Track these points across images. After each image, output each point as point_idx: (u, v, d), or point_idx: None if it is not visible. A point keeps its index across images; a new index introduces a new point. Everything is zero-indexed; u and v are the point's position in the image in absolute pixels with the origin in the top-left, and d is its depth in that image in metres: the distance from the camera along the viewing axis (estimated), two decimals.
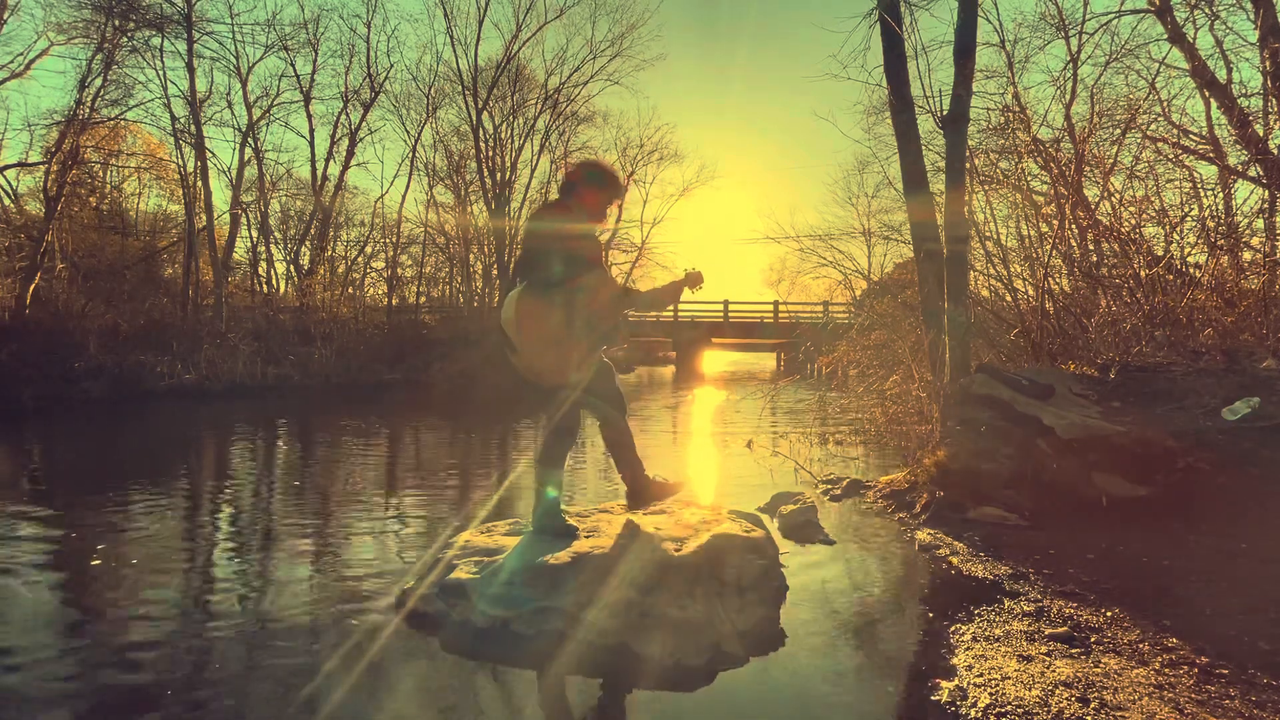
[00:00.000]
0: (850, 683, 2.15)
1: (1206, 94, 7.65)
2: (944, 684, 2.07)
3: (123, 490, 4.84)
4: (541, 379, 2.83)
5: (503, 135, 21.27)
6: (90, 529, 3.88)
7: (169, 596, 2.87)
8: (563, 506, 3.08)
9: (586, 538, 2.84)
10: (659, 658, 2.24)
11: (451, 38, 21.81)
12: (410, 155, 20.66)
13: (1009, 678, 2.07)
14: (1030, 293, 6.62)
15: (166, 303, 16.01)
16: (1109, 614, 2.51)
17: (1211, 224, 6.04)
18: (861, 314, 7.17)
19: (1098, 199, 6.69)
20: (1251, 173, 6.27)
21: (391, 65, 33.78)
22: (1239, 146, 6.58)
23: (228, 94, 18.89)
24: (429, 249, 21.29)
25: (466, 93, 20.39)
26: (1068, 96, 7.87)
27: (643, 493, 3.07)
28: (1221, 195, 6.60)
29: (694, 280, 2.96)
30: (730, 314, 24.20)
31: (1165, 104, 7.22)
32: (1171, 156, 6.56)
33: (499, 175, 21.11)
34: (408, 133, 21.43)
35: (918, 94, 5.11)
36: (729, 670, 2.23)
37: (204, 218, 16.72)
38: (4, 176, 15.62)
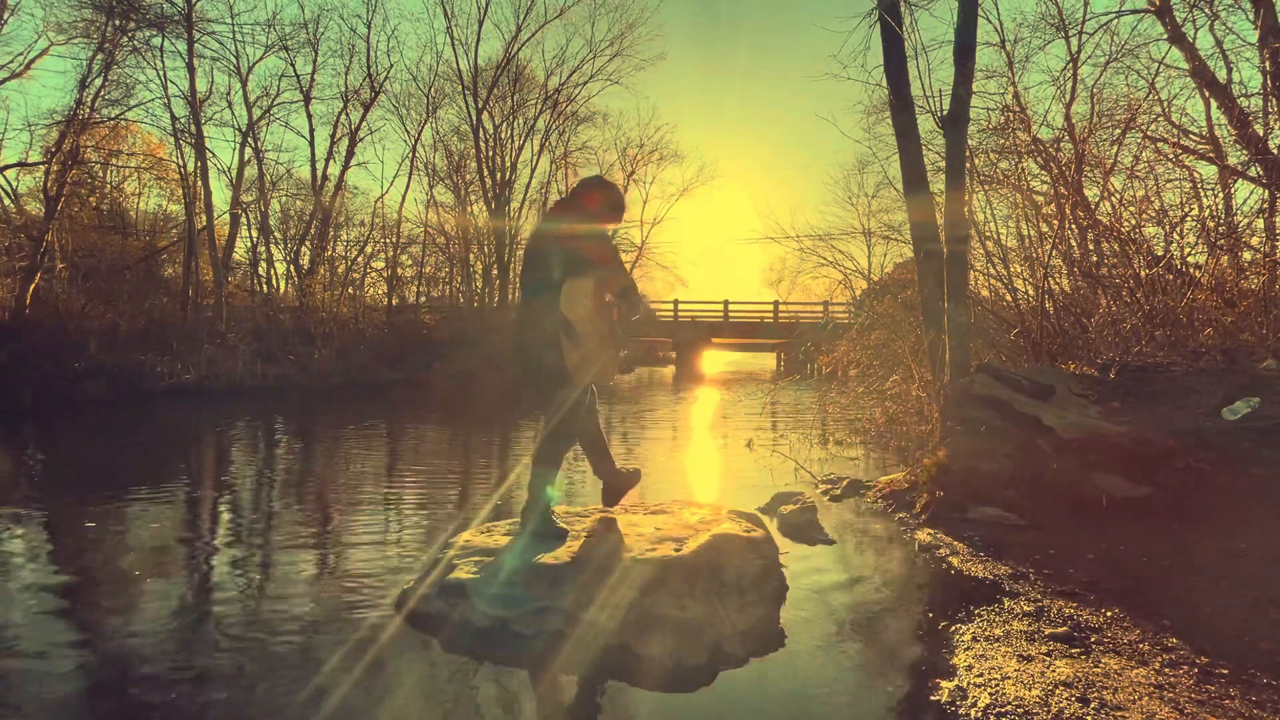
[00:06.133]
0: (850, 683, 2.15)
1: (1206, 94, 7.64)
2: (944, 684, 2.07)
3: (122, 490, 4.84)
4: (543, 376, 2.89)
5: (503, 135, 21.31)
6: (89, 529, 3.88)
7: (168, 596, 2.87)
8: (565, 507, 3.08)
9: (586, 537, 2.84)
10: (659, 658, 2.24)
11: (452, 38, 21.83)
12: (410, 155, 20.71)
13: (1009, 678, 2.07)
14: (1030, 293, 6.62)
15: (166, 303, 16.00)
16: (1109, 614, 2.51)
17: (1211, 224, 6.03)
18: (862, 314, 7.17)
19: (1098, 199, 6.69)
20: (1251, 173, 6.26)
21: (391, 65, 33.75)
22: (1239, 146, 6.57)
23: (228, 94, 18.84)
24: (429, 249, 21.32)
25: (466, 93, 20.43)
26: (1068, 96, 7.87)
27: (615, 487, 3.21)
28: (1221, 195, 6.60)
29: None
30: (730, 314, 24.20)
31: (1165, 104, 7.22)
32: (1171, 156, 6.55)
33: (499, 175, 21.13)
34: (408, 133, 21.47)
35: (918, 94, 5.11)
36: (729, 670, 2.23)
37: (204, 218, 16.71)
38: (4, 176, 15.63)
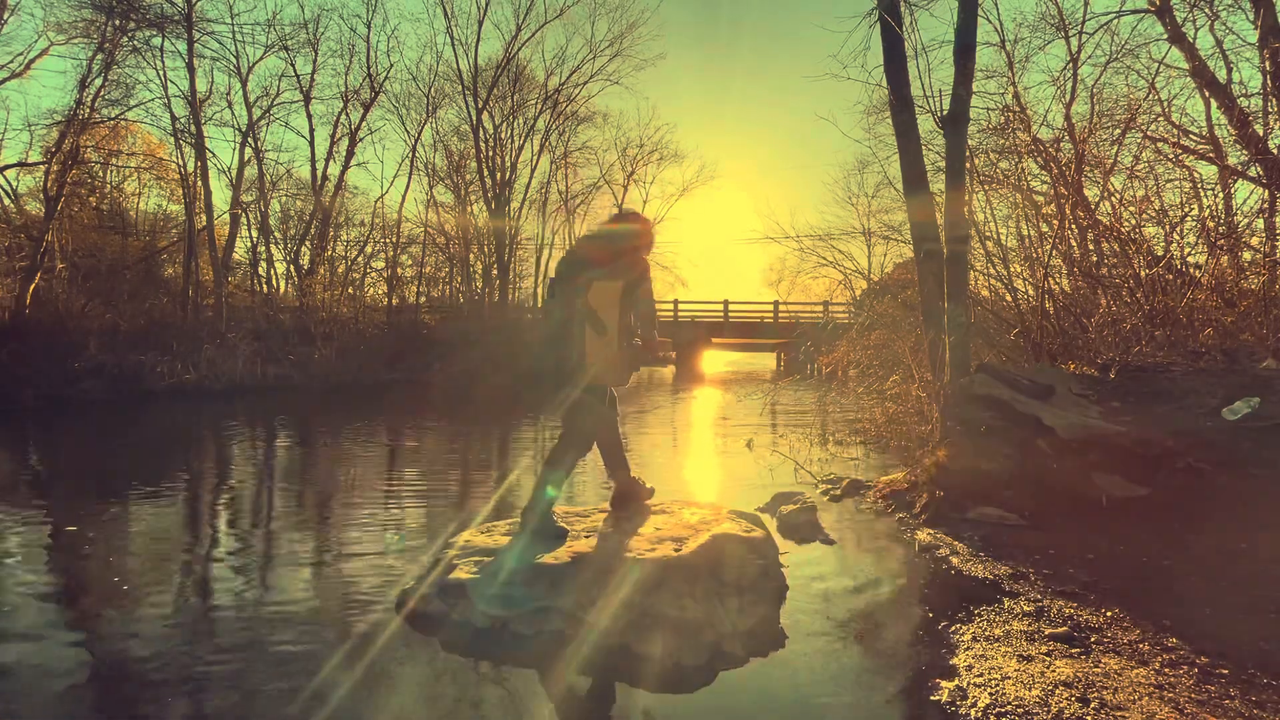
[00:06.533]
0: (850, 683, 2.15)
1: (1206, 94, 7.64)
2: (944, 684, 2.07)
3: (122, 491, 4.84)
4: (547, 373, 2.95)
5: (503, 135, 21.30)
6: (89, 529, 3.88)
7: (169, 597, 2.87)
8: (565, 507, 3.09)
9: (586, 537, 2.84)
10: (659, 658, 2.24)
11: (451, 38, 21.85)
12: (410, 155, 20.70)
13: (1009, 678, 2.07)
14: (1030, 293, 6.62)
15: (166, 303, 16.00)
16: (1109, 614, 2.51)
17: (1211, 224, 6.03)
18: (862, 314, 7.17)
19: (1098, 199, 6.69)
20: (1251, 173, 6.26)
21: (391, 65, 33.70)
22: (1239, 146, 6.57)
23: (228, 94, 18.87)
24: (429, 249, 21.30)
25: (466, 93, 20.42)
26: (1068, 96, 7.85)
27: (631, 496, 3.26)
28: (1221, 195, 6.59)
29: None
30: (730, 314, 24.20)
31: (1165, 104, 7.20)
32: (1171, 156, 6.55)
33: (499, 175, 21.12)
34: (408, 133, 21.48)
35: (918, 94, 5.11)
36: (729, 670, 2.23)
37: (204, 218, 16.71)
38: (4, 176, 15.62)
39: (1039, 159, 6.93)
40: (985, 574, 3.00)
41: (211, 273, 16.86)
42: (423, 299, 21.00)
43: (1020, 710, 1.89)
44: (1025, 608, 2.60)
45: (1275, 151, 6.16)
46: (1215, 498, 3.46)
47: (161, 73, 15.89)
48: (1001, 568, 3.06)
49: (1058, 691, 1.97)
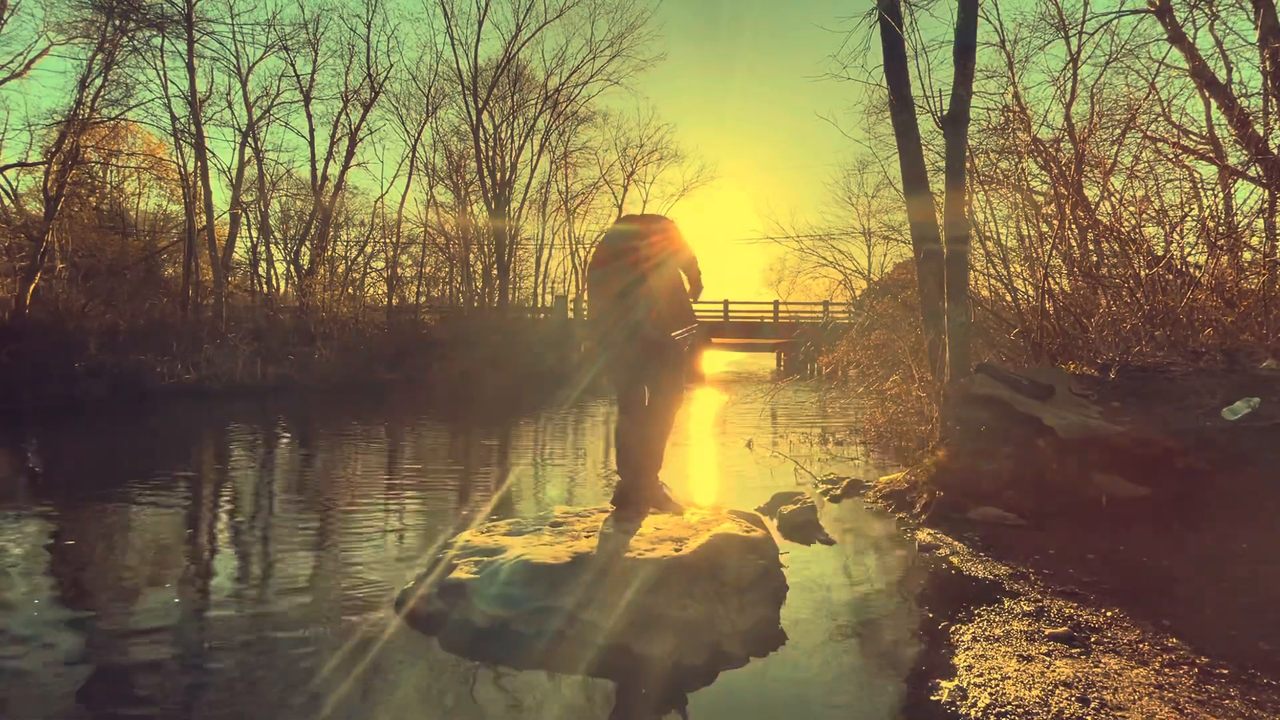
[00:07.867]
0: (850, 683, 2.15)
1: (1206, 94, 7.63)
2: (944, 684, 2.07)
3: (122, 491, 4.84)
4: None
5: (503, 135, 21.28)
6: (90, 530, 3.88)
7: (168, 596, 2.87)
8: (564, 507, 3.10)
9: (586, 537, 2.84)
10: (659, 658, 2.24)
11: (451, 38, 21.81)
12: (410, 155, 20.65)
13: (1009, 678, 2.07)
14: (1030, 293, 6.62)
15: (166, 303, 15.98)
16: (1109, 614, 2.51)
17: (1211, 224, 6.03)
18: (862, 314, 7.17)
19: (1098, 199, 6.69)
20: (1251, 173, 6.26)
21: (391, 65, 33.51)
22: (1239, 146, 6.57)
23: (228, 94, 18.77)
24: (429, 249, 21.28)
25: (466, 93, 20.40)
26: (1068, 96, 7.85)
27: (633, 495, 3.24)
28: (1221, 195, 6.60)
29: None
30: (730, 314, 24.18)
31: (1165, 104, 7.20)
32: (1171, 156, 6.55)
33: (499, 175, 21.10)
34: (408, 133, 21.39)
35: (918, 94, 5.11)
36: (729, 670, 2.23)
37: (204, 218, 16.70)
38: (4, 176, 15.60)
39: (1039, 159, 6.93)
40: (985, 574, 3.00)
41: (211, 273, 16.84)
42: (423, 299, 20.98)
43: (1020, 710, 1.89)
44: (1025, 608, 2.60)
45: (1275, 151, 6.16)
46: (1215, 498, 3.46)
47: (161, 73, 15.87)
48: (1001, 568, 3.06)
49: (1058, 691, 1.97)
